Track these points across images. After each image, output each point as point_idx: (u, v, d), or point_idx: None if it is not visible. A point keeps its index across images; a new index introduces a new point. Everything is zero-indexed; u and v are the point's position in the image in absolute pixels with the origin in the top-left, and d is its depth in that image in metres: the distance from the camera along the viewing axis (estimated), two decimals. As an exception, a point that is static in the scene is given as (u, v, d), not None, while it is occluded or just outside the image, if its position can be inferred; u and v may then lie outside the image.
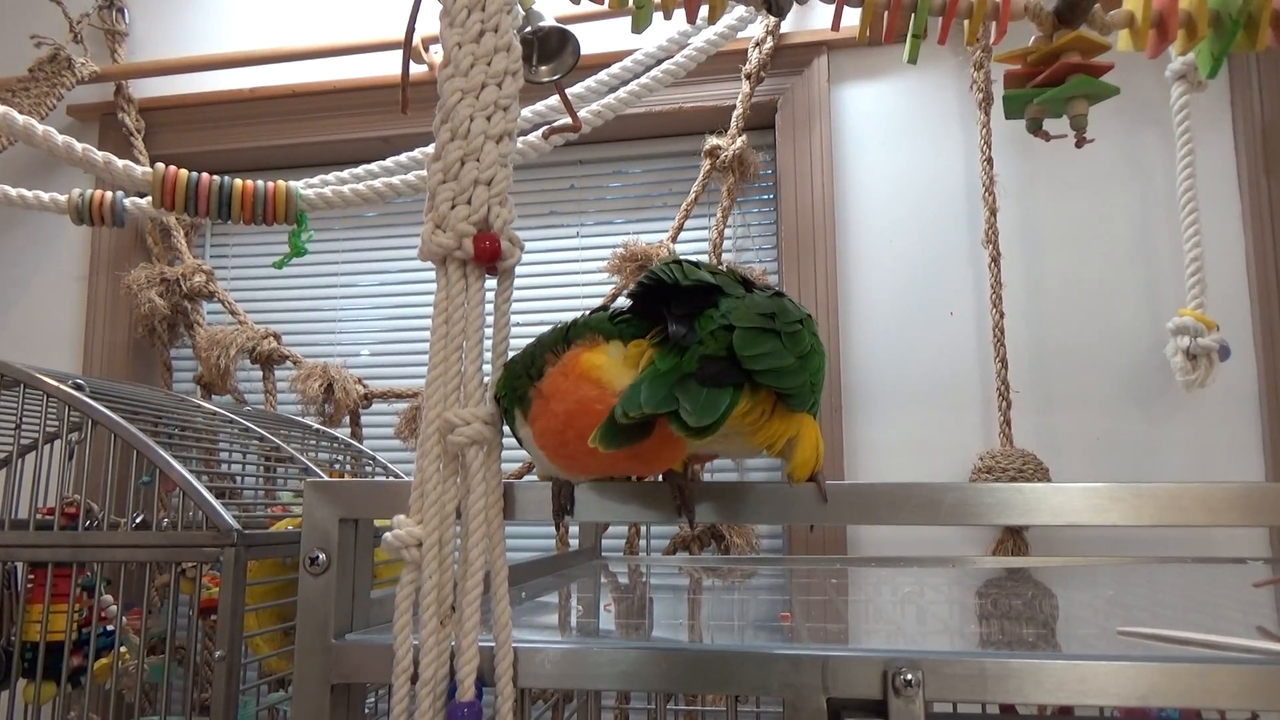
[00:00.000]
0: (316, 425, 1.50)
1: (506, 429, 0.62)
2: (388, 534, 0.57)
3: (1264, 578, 1.00)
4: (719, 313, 0.55)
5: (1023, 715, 0.82)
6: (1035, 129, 0.96)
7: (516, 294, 0.64)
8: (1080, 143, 0.92)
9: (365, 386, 1.61)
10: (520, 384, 0.60)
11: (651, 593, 0.97)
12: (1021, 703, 0.53)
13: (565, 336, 0.60)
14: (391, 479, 0.74)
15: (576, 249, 1.66)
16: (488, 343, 0.61)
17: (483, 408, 0.58)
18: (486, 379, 0.61)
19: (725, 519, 0.62)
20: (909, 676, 0.52)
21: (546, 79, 1.09)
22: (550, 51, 1.07)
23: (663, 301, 0.57)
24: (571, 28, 1.12)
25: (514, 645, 0.56)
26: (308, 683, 0.60)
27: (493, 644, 0.56)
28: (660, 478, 0.62)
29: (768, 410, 0.55)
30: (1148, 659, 0.52)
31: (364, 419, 1.63)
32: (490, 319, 0.62)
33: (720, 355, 0.52)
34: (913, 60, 0.86)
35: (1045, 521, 0.56)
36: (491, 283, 0.62)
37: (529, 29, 1.04)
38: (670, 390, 0.50)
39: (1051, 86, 0.89)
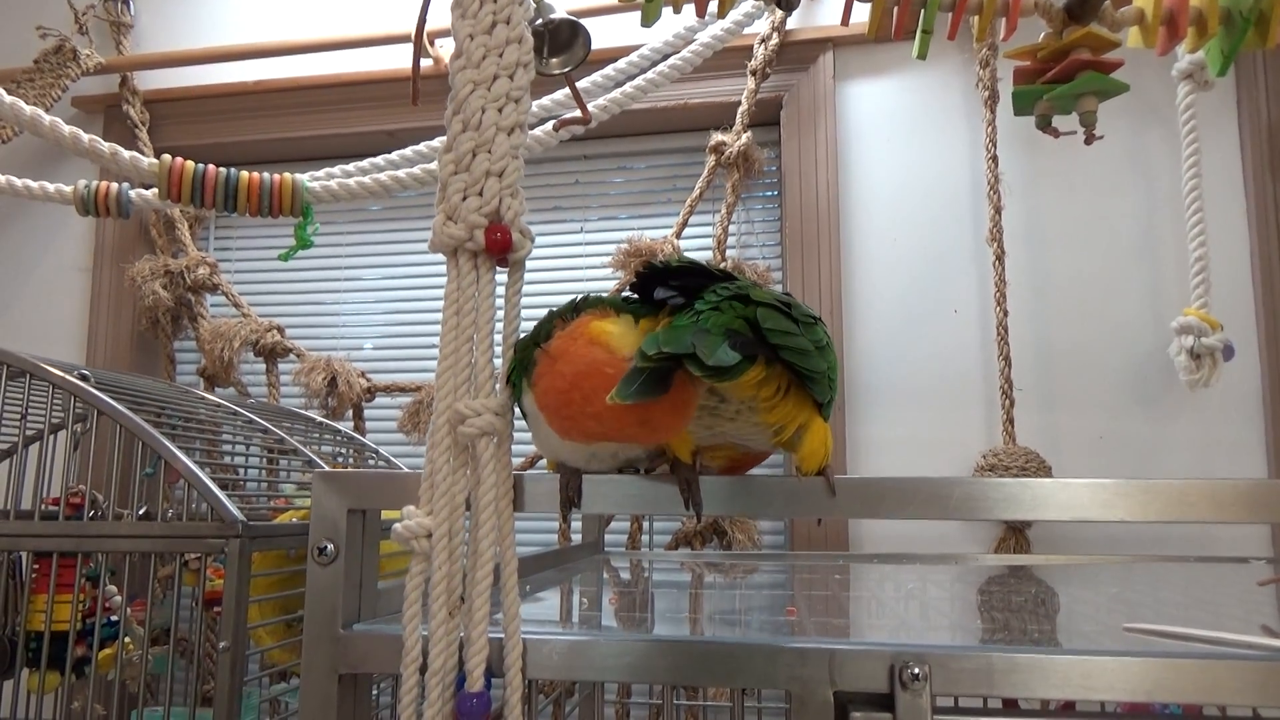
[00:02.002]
0: (319, 418, 1.50)
1: (518, 420, 0.62)
2: (398, 524, 0.57)
3: (1268, 576, 1.01)
4: (735, 286, 0.56)
5: (1025, 710, 0.82)
6: (1044, 125, 0.96)
7: (518, 288, 0.64)
8: (1089, 139, 0.92)
9: (368, 380, 1.61)
10: (528, 353, 0.60)
11: (654, 587, 0.97)
12: (1026, 697, 0.54)
13: (576, 306, 0.61)
14: (400, 470, 0.74)
15: (580, 244, 1.66)
16: (498, 334, 0.62)
17: (493, 399, 0.59)
18: (497, 370, 0.61)
19: (732, 512, 0.62)
20: (916, 670, 0.52)
21: (557, 71, 1.08)
22: (561, 44, 1.07)
23: (660, 283, 0.60)
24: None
25: (522, 636, 0.57)
26: (316, 672, 0.60)
27: (500, 635, 0.56)
28: (670, 469, 0.62)
29: (783, 388, 0.55)
30: (1153, 655, 0.52)
31: (367, 413, 1.63)
32: (501, 311, 0.62)
33: (743, 331, 0.53)
34: (922, 56, 0.86)
35: (1053, 516, 0.56)
36: (501, 274, 0.62)
37: (540, 21, 1.04)
38: (689, 338, 0.51)
39: (1061, 83, 0.89)
